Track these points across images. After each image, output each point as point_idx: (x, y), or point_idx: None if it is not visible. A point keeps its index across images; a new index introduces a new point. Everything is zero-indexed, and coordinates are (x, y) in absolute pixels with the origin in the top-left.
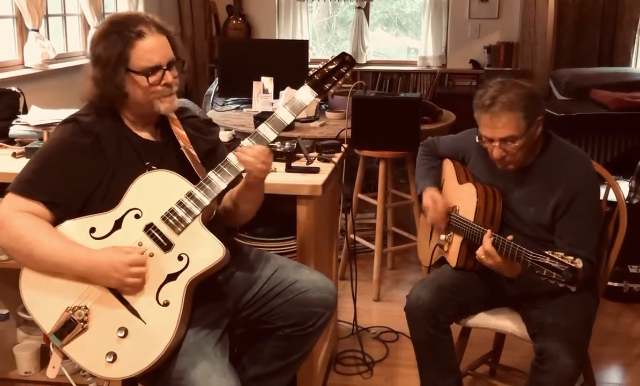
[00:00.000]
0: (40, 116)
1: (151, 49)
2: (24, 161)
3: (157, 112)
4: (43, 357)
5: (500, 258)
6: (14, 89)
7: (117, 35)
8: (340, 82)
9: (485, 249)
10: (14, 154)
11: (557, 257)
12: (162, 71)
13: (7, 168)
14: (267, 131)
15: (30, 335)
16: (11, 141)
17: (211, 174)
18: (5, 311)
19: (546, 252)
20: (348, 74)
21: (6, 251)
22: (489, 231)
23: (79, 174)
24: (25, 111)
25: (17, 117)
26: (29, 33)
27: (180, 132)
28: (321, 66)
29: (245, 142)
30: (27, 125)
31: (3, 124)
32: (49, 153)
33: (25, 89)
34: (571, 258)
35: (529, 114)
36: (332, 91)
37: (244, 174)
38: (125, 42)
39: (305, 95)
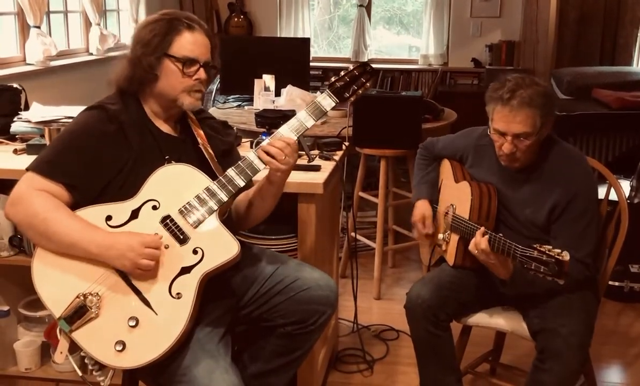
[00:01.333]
0: (41, 112)
1: (195, 42)
2: (25, 158)
3: (179, 106)
4: (44, 354)
5: (492, 253)
6: (15, 85)
7: (166, 22)
8: (360, 92)
9: (476, 241)
10: (15, 151)
11: (544, 250)
12: (199, 66)
13: (8, 165)
14: (287, 133)
15: (31, 331)
16: (12, 138)
17: (230, 171)
18: (6, 308)
19: (534, 246)
20: (368, 85)
21: (22, 227)
22: (482, 228)
23: (101, 159)
24: (26, 108)
25: (19, 114)
26: (30, 30)
27: (198, 131)
28: (343, 73)
29: (266, 143)
30: (29, 122)
31: (4, 120)
32: (73, 136)
33: (26, 85)
34: (558, 251)
35: (545, 113)
36: (352, 99)
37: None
38: (173, 28)
39: (327, 101)
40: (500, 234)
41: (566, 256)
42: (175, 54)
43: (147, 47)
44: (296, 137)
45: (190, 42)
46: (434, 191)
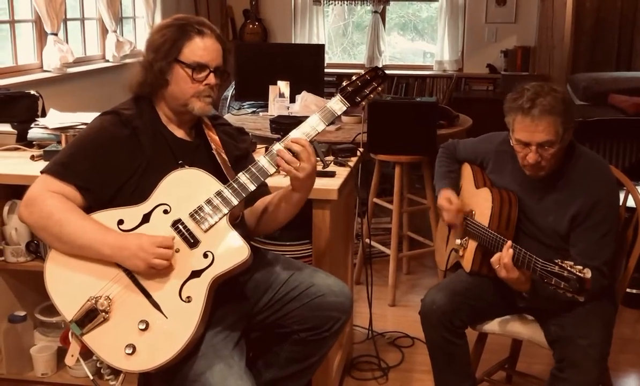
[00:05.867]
0: (58, 119)
1: (205, 47)
2: (42, 164)
3: (190, 110)
4: (60, 359)
5: (514, 269)
6: (32, 92)
7: (177, 27)
8: (371, 96)
9: (501, 255)
10: (32, 157)
11: (566, 266)
12: (209, 72)
13: (25, 171)
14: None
15: (47, 336)
16: (30, 144)
17: (241, 176)
18: (22, 313)
19: (555, 261)
20: (380, 88)
21: (35, 229)
22: (509, 242)
23: (114, 163)
24: (43, 114)
25: (36, 121)
26: (47, 37)
27: (213, 136)
28: (354, 78)
29: (276, 147)
30: (46, 128)
31: (22, 127)
32: (87, 140)
33: (43, 92)
34: (580, 267)
35: (566, 119)
36: (363, 103)
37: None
38: (183, 33)
39: (338, 105)
40: (518, 247)
41: (588, 273)
42: (185, 59)
43: (158, 53)
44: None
45: (200, 48)
46: (456, 187)
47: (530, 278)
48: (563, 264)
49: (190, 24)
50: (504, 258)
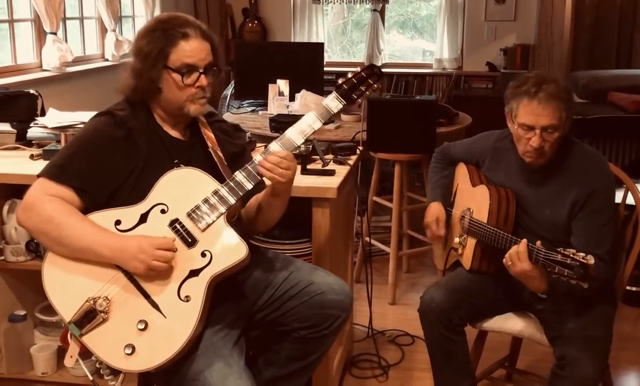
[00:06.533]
0: (57, 118)
1: (192, 49)
2: (41, 163)
3: (186, 113)
4: (60, 358)
5: (529, 263)
6: (32, 91)
7: (162, 32)
8: (367, 93)
9: (519, 250)
10: (31, 156)
11: (568, 254)
12: (198, 74)
13: (25, 170)
14: (294, 135)
15: (47, 335)
16: (29, 143)
17: (238, 174)
18: (22, 312)
19: (558, 249)
20: (376, 86)
21: (34, 233)
22: (524, 240)
23: (110, 164)
24: (43, 114)
25: (35, 120)
26: (47, 36)
27: (208, 134)
28: (350, 75)
29: (273, 145)
30: (45, 127)
31: (21, 126)
32: (82, 141)
33: (43, 91)
34: (582, 254)
35: (568, 106)
36: (359, 100)
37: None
38: (169, 40)
39: (334, 103)
40: (538, 243)
41: (591, 259)
42: (173, 66)
43: (146, 61)
44: (303, 140)
45: (186, 51)
46: (448, 196)
47: (546, 276)
48: (566, 252)
49: (173, 27)
50: (520, 246)
